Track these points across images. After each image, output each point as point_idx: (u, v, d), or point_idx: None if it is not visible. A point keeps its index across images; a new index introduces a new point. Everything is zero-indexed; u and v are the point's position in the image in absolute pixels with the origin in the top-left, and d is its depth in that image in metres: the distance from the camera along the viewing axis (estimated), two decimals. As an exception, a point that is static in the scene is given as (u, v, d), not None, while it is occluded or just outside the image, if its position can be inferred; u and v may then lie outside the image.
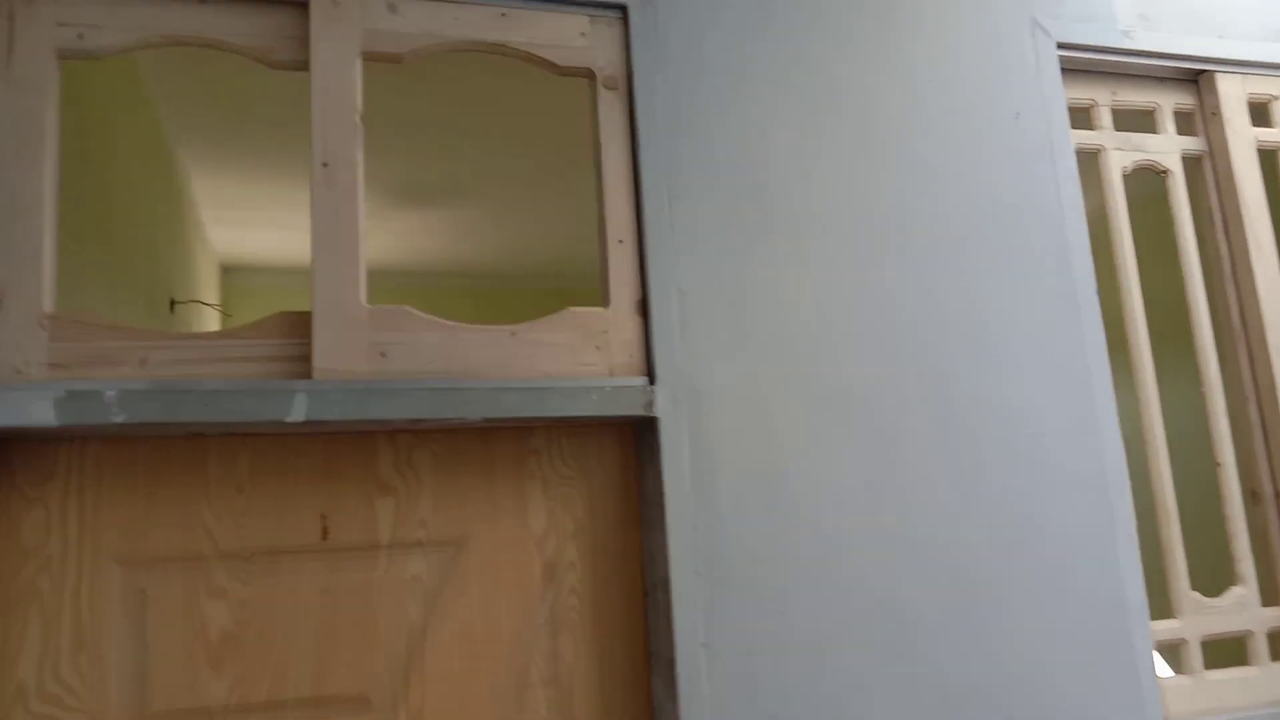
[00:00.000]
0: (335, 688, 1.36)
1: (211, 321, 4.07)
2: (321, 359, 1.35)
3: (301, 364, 1.36)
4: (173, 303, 3.10)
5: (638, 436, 1.52)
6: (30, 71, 1.32)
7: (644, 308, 1.49)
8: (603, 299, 1.50)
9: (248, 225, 3.95)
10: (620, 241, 1.50)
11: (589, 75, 1.55)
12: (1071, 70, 1.87)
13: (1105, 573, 1.60)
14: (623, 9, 1.56)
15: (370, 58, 1.45)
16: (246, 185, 3.49)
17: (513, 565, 1.45)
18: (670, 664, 1.38)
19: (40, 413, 1.22)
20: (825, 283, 1.56)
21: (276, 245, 4.26)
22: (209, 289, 4.06)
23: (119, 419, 1.24)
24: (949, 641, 1.50)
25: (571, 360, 1.46)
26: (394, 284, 4.88)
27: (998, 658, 1.51)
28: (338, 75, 1.42)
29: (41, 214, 1.30)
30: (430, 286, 4.97)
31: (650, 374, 1.47)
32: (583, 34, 1.55)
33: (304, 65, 1.43)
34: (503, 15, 1.51)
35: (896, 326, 1.58)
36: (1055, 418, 1.63)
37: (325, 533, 1.39)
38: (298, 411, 1.30)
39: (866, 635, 1.46)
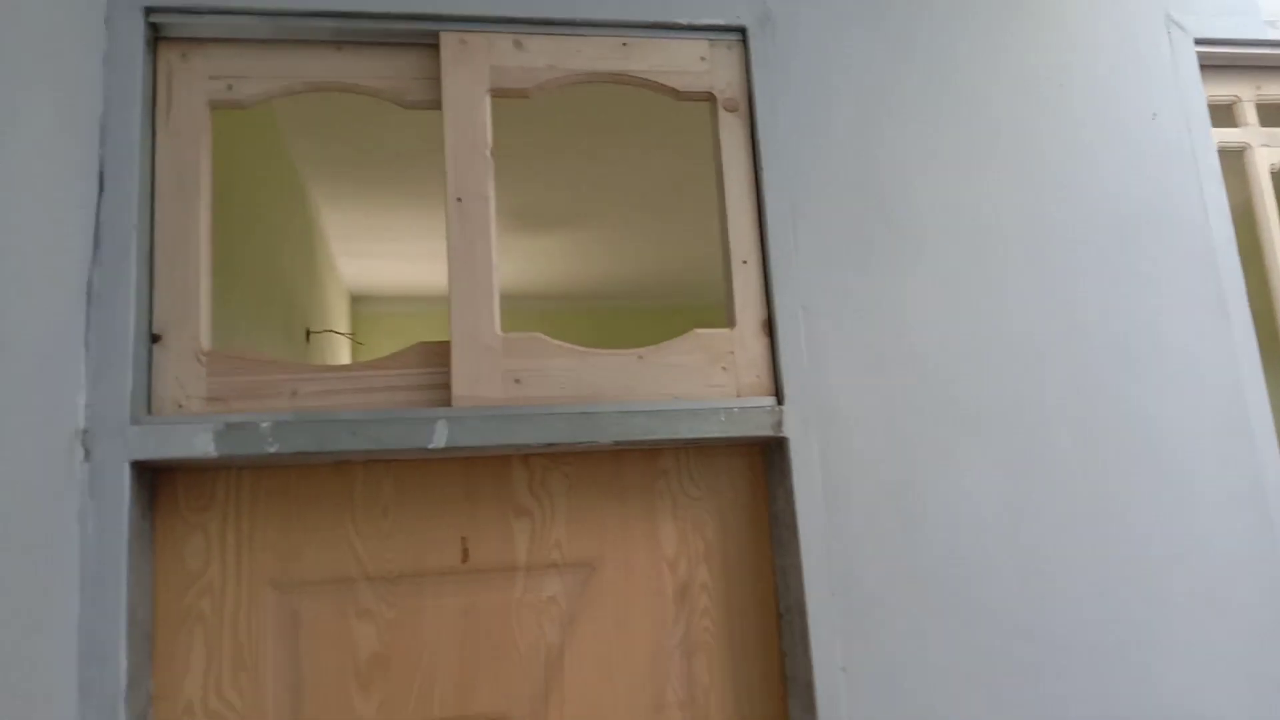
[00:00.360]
0: (477, 707, 1.39)
1: (343, 349, 4.24)
2: (460, 387, 1.39)
3: (441, 392, 1.40)
4: (308, 332, 3.24)
5: (767, 457, 1.52)
6: (186, 122, 1.41)
7: (770, 327, 1.49)
8: (728, 320, 1.50)
9: (374, 256, 4.11)
10: (744, 262, 1.50)
11: (709, 98, 1.56)
12: (1211, 66, 1.79)
13: (1267, 595, 1.51)
14: (742, 31, 1.57)
15: (499, 94, 1.50)
16: (373, 218, 3.63)
17: (645, 587, 1.46)
18: (808, 687, 1.37)
19: (201, 444, 1.29)
20: (956, 298, 1.53)
21: (400, 275, 4.41)
22: (340, 318, 4.23)
23: (273, 449, 1.30)
24: (1096, 668, 1.44)
25: (699, 382, 1.46)
26: (513, 308, 4.99)
27: (1149, 686, 1.44)
28: (468, 112, 1.47)
29: (198, 256, 1.38)
30: (549, 309, 5.07)
31: (778, 394, 1.46)
32: (702, 58, 1.56)
33: (435, 104, 1.48)
34: (624, 45, 1.54)
35: (1033, 341, 1.53)
36: (1206, 432, 1.56)
37: (465, 555, 1.43)
38: (439, 439, 1.34)
39: (1009, 660, 1.42)
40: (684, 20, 1.54)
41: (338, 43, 1.47)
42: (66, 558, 1.23)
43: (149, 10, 1.39)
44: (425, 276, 4.47)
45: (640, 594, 1.46)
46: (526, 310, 5.02)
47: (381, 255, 4.10)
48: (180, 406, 1.35)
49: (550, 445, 1.39)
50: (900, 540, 1.43)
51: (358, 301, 4.82)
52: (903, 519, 1.43)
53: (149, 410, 1.34)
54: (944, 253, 1.54)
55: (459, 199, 1.45)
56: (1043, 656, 1.43)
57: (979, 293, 1.54)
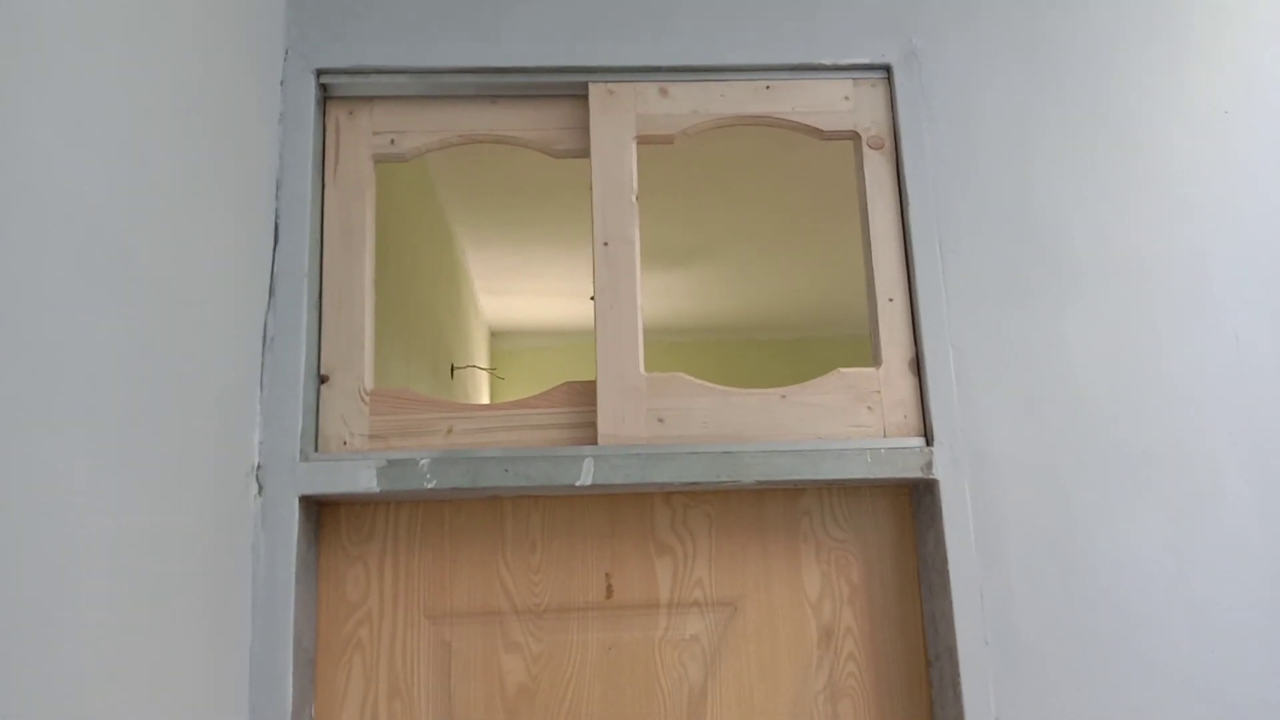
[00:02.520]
0: (622, 744, 1.40)
1: (484, 383, 4.37)
2: (606, 425, 1.42)
3: (587, 430, 1.44)
4: (453, 368, 3.36)
5: (915, 500, 1.49)
6: (352, 176, 1.50)
7: (917, 366, 1.46)
8: (873, 358, 1.49)
9: (513, 294, 4.24)
10: (890, 300, 1.48)
11: (854, 137, 1.56)
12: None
13: None
14: (887, 69, 1.56)
15: (645, 140, 1.54)
16: (513, 257, 3.75)
17: (788, 628, 1.45)
18: (960, 738, 1.33)
19: (365, 480, 1.36)
20: (1115, 336, 1.47)
21: (537, 311, 4.53)
22: (481, 353, 4.37)
23: (431, 484, 1.36)
24: (1279, 729, 1.34)
25: (843, 421, 1.45)
26: (645, 341, 5.05)
27: (1341, 750, 1.34)
28: (615, 160, 1.51)
29: (363, 301, 1.46)
30: (677, 342, 5.10)
31: (927, 435, 1.44)
32: (846, 97, 1.56)
33: (584, 153, 1.53)
34: (767, 88, 1.55)
35: (1198, 380, 1.46)
36: (1398, 477, 1.44)
37: (609, 591, 1.45)
38: (586, 476, 1.37)
39: (1176, 718, 1.34)
40: (828, 61, 1.54)
41: (491, 97, 1.54)
42: (241, 586, 1.31)
43: (320, 72, 1.49)
44: (561, 312, 4.58)
45: (783, 635, 1.45)
46: (654, 344, 5.07)
47: (520, 292, 4.23)
48: (345, 444, 1.42)
49: (693, 484, 1.40)
50: (1058, 588, 1.37)
51: (496, 337, 4.97)
52: (1061, 566, 1.38)
53: (316, 448, 1.41)
54: (1101, 289, 1.49)
55: (605, 243, 1.48)
56: (1215, 716, 1.34)
57: (1138, 330, 1.47)
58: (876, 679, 1.43)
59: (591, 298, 4.35)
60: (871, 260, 1.51)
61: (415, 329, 2.61)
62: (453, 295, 3.42)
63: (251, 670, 1.29)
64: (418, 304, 2.65)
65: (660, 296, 4.37)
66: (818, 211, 3.42)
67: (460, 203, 3.22)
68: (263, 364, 1.38)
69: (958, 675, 1.33)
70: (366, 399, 1.43)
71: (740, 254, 3.84)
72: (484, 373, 4.26)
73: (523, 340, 5.04)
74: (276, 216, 1.44)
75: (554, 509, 1.47)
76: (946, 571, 1.37)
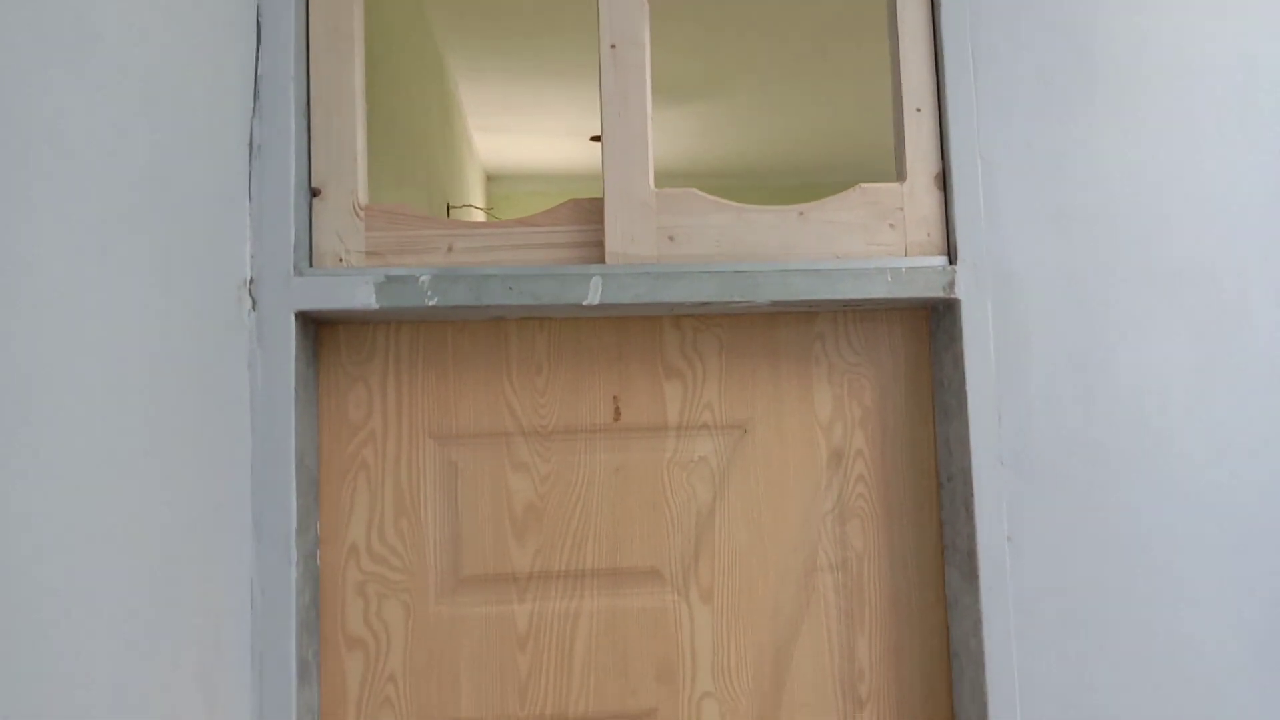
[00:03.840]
0: (629, 561, 1.40)
1: (479, 226, 4.27)
2: (614, 244, 1.36)
3: (594, 249, 1.37)
4: (448, 207, 3.27)
5: (933, 321, 1.44)
6: (339, -29, 1.38)
7: (944, 181, 1.39)
8: (897, 173, 1.41)
9: (509, 132, 4.09)
10: (918, 110, 1.40)
11: (880, -68, 1.43)
12: None
13: None
14: None
15: (654, -70, 1.42)
16: (508, 91, 3.59)
17: (798, 451, 1.43)
18: (969, 556, 1.32)
19: (363, 296, 1.31)
20: (1155, 151, 1.39)
21: (536, 152, 4.39)
22: (476, 196, 4.25)
23: (432, 302, 1.31)
24: (1288, 550, 1.34)
25: (863, 240, 1.39)
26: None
27: (1348, 571, 1.34)
28: (624, -50, 1.39)
29: (354, 110, 1.37)
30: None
31: (950, 253, 1.38)
32: (875, -114, 1.43)
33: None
34: (789, -127, 1.42)
35: (1237, 197, 1.39)
36: None
37: (617, 414, 1.42)
38: (594, 295, 1.32)
39: (1195, 538, 1.33)
40: None
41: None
42: (238, 403, 1.27)
43: None
44: (560, 154, 4.44)
45: (793, 458, 1.43)
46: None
47: (517, 131, 4.08)
48: (340, 260, 1.36)
49: (704, 305, 1.35)
50: (1078, 409, 1.34)
51: (493, 181, 4.84)
52: (1082, 387, 1.35)
53: (310, 263, 1.35)
54: (1139, 98, 1.40)
55: (613, 45, 1.38)
56: (1233, 536, 1.34)
57: (1176, 143, 1.40)
58: (886, 501, 1.42)
59: (593, 138, 4.20)
60: (899, 68, 1.41)
61: (407, 159, 2.51)
62: (445, 130, 3.29)
63: (254, 487, 1.27)
64: (409, 133, 2.54)
65: (663, 136, 4.22)
66: (836, 33, 3.24)
67: (452, 28, 3.05)
68: (250, 173, 1.31)
69: (971, 496, 1.32)
70: (361, 214, 1.36)
71: (751, 88, 3.68)
72: (481, 213, 4.16)
73: (519, 184, 4.91)
74: (258, 14, 1.33)
75: (560, 332, 1.43)
76: (964, 393, 1.34)
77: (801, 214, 1.39)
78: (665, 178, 4.81)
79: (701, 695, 1.39)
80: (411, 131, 2.58)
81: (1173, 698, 1.31)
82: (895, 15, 1.42)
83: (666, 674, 1.39)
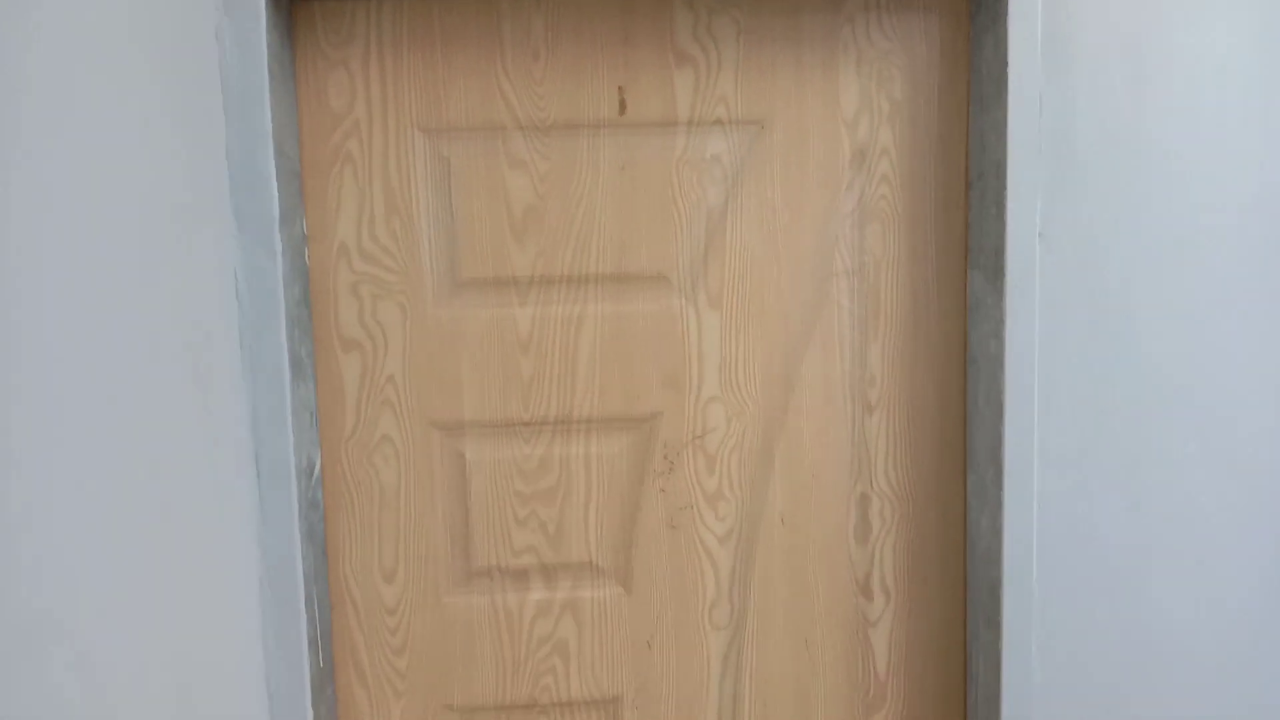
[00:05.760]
0: (635, 265, 1.33)
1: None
2: (620, -105, 1.20)
3: (597, -95, 1.21)
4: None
5: (974, 3, 1.30)
6: None
7: None
8: None
9: None
10: None
11: None
12: None
13: None
14: None
15: None
16: None
17: (819, 148, 1.32)
18: (996, 254, 1.25)
19: (337, -43, 1.16)
20: None
21: None
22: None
23: (414, -37, 1.16)
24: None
25: (902, -98, 1.22)
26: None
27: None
28: None
29: None
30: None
31: (1001, -87, 1.22)
32: None
33: None
34: None
35: None
36: None
37: (623, 106, 1.30)
38: (597, -46, 1.17)
39: (1244, 246, 1.25)
40: None
41: None
42: (208, 78, 1.16)
43: None
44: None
45: (813, 155, 1.32)
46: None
47: None
48: (310, -81, 1.20)
49: (722, -25, 1.21)
50: (1127, 98, 1.23)
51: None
52: (1134, 75, 1.23)
53: (277, -78, 1.19)
54: None
55: None
56: (1267, 298, 1.26)
57: None
58: (910, 202, 1.33)
59: None
60: None
61: None
62: None
63: (230, 173, 1.17)
64: None
65: None
66: None
67: None
68: None
69: (1003, 190, 1.23)
70: None
71: None
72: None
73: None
74: None
75: (558, 11, 1.28)
76: (1004, 79, 1.22)
77: None
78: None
79: (708, 400, 1.35)
80: None
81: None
82: None
83: (672, 379, 1.35)
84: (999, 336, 1.24)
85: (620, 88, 1.30)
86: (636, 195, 1.31)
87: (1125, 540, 1.29)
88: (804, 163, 1.32)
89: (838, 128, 1.32)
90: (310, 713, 1.25)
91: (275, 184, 1.18)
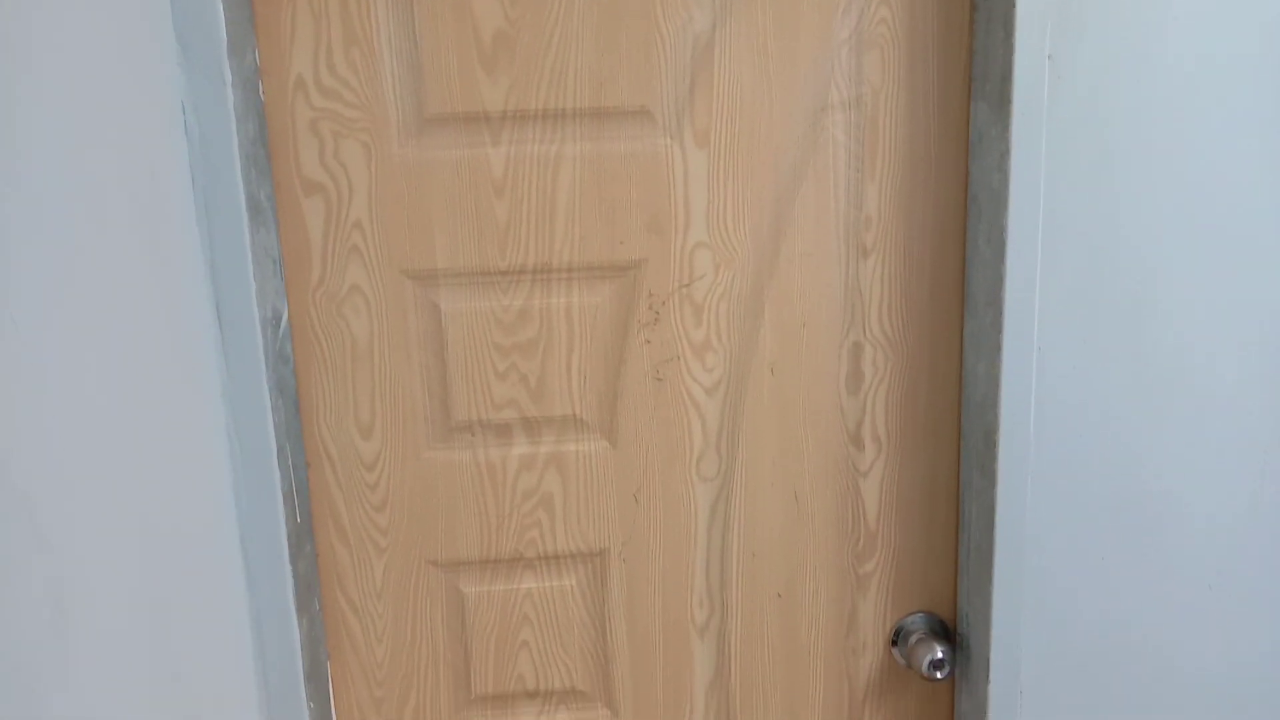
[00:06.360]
0: (615, 99, 1.24)
1: None
2: None
3: None
4: None
5: None
6: None
7: None
8: None
9: None
10: None
11: None
12: None
13: None
14: None
15: None
16: None
17: (814, -32, 1.22)
18: (1003, 81, 1.16)
19: None
20: None
21: None
22: None
23: None
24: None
25: None
26: None
27: None
28: None
29: None
30: None
31: None
32: None
33: None
34: None
35: None
36: None
37: (599, -81, 1.19)
38: None
39: (1256, 68, 1.16)
40: None
41: None
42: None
43: None
44: None
45: (807, -24, 1.22)
46: None
47: None
48: None
49: None
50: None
51: None
52: None
53: None
54: None
55: None
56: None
57: None
58: (911, 26, 1.23)
59: None
60: None
61: None
62: None
63: (170, -5, 1.07)
64: None
65: None
66: None
67: None
68: None
69: (1012, 9, 1.13)
70: None
71: None
72: None
73: None
74: None
75: None
76: (1018, -120, 1.11)
77: None
78: None
79: (695, 246, 1.28)
80: None
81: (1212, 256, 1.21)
82: None
83: (657, 223, 1.28)
84: (1003, 170, 1.17)
85: (597, -100, 1.19)
86: (616, 20, 1.21)
87: (1126, 390, 1.24)
88: (797, -17, 1.22)
89: (834, -56, 1.21)
90: (289, 568, 1.22)
91: (220, 6, 1.07)
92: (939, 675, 1.31)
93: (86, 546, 1.14)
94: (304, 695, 1.26)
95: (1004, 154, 1.16)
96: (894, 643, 1.40)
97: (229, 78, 1.09)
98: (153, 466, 1.16)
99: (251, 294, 1.15)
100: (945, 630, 1.39)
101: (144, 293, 1.13)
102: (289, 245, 1.24)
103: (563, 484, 1.34)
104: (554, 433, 1.33)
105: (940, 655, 1.31)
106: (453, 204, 1.24)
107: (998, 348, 1.22)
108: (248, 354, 1.16)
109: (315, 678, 1.30)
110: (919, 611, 1.39)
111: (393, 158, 1.23)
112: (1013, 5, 1.13)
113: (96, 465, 1.13)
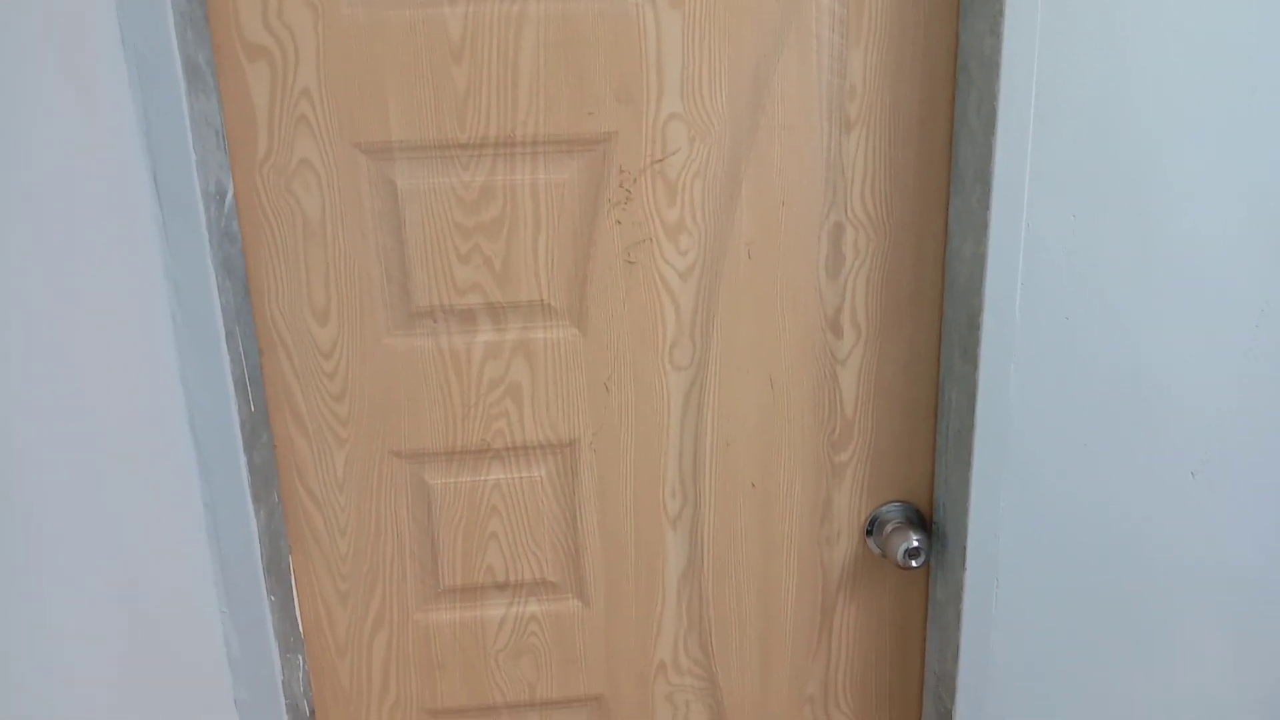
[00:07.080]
0: (583, -45, 1.14)
1: None
2: None
3: None
4: None
5: None
6: None
7: None
8: None
9: None
10: None
11: None
12: None
13: None
14: None
15: None
16: None
17: None
18: (1001, -66, 1.07)
19: None
20: None
21: None
22: None
23: None
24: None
25: None
26: None
27: None
28: None
29: None
30: None
31: None
32: None
33: None
34: None
35: None
36: None
37: None
38: None
39: None
40: None
41: None
42: None
43: None
44: None
45: None
46: None
47: None
48: None
49: None
50: None
51: None
52: None
53: None
54: None
55: None
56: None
57: None
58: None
59: None
60: None
61: None
62: None
63: None
64: None
65: None
66: None
67: None
68: None
69: None
70: None
71: None
72: None
73: None
74: None
75: None
76: None
77: None
78: None
79: (668, 118, 1.21)
80: None
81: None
82: None
83: (627, 93, 1.19)
84: (996, 33, 1.09)
85: None
86: None
87: (1118, 272, 1.19)
88: None
89: None
90: (243, 458, 1.17)
91: None
92: (914, 564, 1.29)
93: (26, 440, 1.08)
94: (264, 587, 1.22)
95: (997, 16, 1.08)
96: (869, 532, 1.37)
97: (155, -79, 0.99)
98: (94, 352, 1.10)
99: (192, 165, 1.07)
100: (921, 520, 1.37)
101: (75, 163, 1.05)
102: (232, 115, 1.15)
103: (531, 372, 1.28)
104: (520, 319, 1.27)
105: (916, 544, 1.28)
106: (407, 70, 1.16)
107: (984, 226, 1.16)
108: (190, 230, 1.09)
109: (275, 570, 1.26)
110: (895, 501, 1.37)
111: (342, 18, 1.13)
112: None
113: (32, 351, 1.07)
